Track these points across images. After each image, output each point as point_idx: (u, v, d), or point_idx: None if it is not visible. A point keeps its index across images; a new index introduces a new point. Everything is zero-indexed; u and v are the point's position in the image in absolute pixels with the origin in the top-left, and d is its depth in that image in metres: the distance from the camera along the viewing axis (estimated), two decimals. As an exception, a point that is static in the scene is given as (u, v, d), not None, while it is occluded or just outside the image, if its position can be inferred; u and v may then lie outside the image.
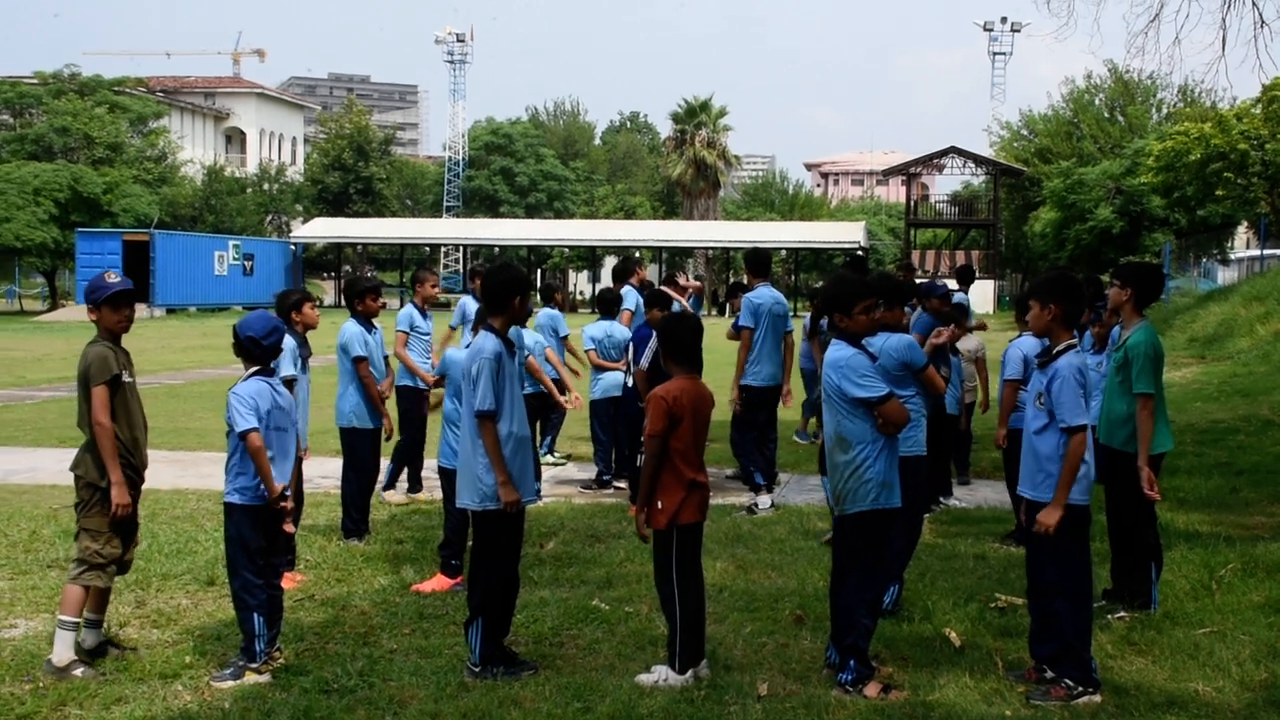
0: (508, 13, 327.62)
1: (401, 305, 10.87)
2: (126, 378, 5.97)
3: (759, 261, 10.83)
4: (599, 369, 11.25)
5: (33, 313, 47.94)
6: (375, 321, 9.06)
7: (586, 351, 11.33)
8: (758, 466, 10.08)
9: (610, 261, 64.23)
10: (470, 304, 11.07)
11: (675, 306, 10.15)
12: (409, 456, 10.31)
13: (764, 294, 10.31)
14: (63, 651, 5.83)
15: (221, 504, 6.03)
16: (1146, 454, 6.69)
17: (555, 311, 12.14)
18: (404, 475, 10.37)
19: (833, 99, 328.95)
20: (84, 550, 5.92)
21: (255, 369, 5.99)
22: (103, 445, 5.83)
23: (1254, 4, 13.62)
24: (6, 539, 8.62)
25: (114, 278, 6.02)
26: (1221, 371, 19.94)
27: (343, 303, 10.52)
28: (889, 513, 5.80)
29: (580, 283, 75.37)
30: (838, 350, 5.82)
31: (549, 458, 12.39)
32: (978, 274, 50.92)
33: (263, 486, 5.82)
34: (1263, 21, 13.55)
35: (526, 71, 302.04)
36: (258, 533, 5.87)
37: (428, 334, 10.36)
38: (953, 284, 12.75)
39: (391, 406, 9.26)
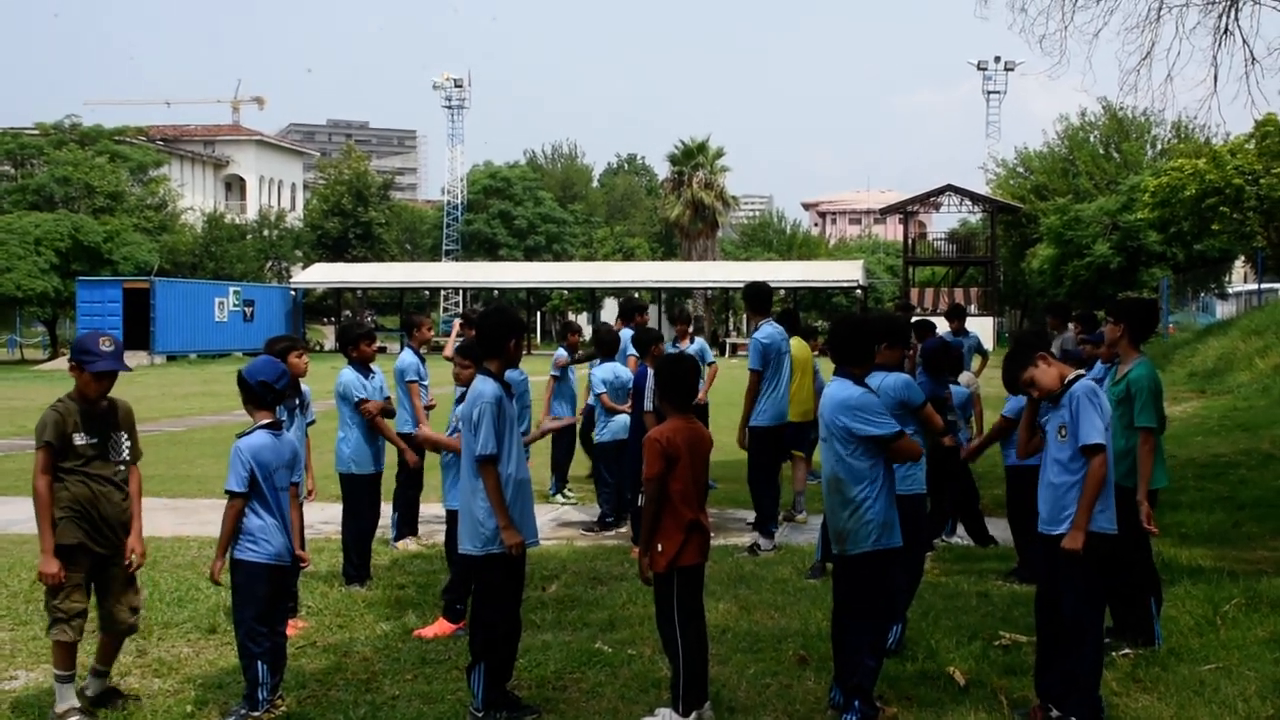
0: (505, 56, 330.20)
1: (401, 348, 10.82)
2: (80, 440, 5.70)
3: (759, 296, 10.32)
4: (610, 412, 11.25)
5: (33, 361, 47.98)
6: (373, 366, 9.06)
7: (598, 394, 11.32)
8: (773, 517, 10.03)
9: (610, 304, 64.47)
10: None
11: (669, 347, 10.08)
12: (407, 503, 10.26)
13: (770, 332, 10.00)
14: (58, 704, 5.82)
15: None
16: (1146, 488, 6.69)
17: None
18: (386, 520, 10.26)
19: (829, 139, 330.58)
20: (46, 605, 5.86)
21: (264, 422, 5.99)
22: (35, 508, 5.72)
23: (1244, 42, 13.76)
24: (7, 589, 8.60)
25: (108, 345, 5.74)
26: (1222, 405, 19.96)
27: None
28: (890, 552, 5.81)
29: (580, 324, 75.52)
30: (845, 390, 5.80)
31: (558, 497, 12.46)
32: (975, 310, 51.36)
33: (268, 543, 5.83)
34: (1253, 59, 13.72)
35: (524, 116, 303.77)
36: (264, 582, 5.85)
37: (427, 381, 10.34)
38: (943, 324, 12.67)
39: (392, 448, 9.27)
